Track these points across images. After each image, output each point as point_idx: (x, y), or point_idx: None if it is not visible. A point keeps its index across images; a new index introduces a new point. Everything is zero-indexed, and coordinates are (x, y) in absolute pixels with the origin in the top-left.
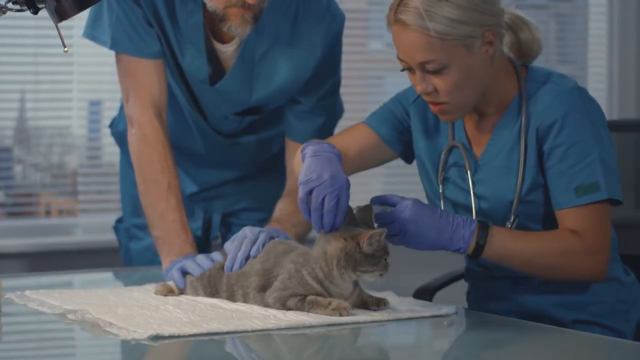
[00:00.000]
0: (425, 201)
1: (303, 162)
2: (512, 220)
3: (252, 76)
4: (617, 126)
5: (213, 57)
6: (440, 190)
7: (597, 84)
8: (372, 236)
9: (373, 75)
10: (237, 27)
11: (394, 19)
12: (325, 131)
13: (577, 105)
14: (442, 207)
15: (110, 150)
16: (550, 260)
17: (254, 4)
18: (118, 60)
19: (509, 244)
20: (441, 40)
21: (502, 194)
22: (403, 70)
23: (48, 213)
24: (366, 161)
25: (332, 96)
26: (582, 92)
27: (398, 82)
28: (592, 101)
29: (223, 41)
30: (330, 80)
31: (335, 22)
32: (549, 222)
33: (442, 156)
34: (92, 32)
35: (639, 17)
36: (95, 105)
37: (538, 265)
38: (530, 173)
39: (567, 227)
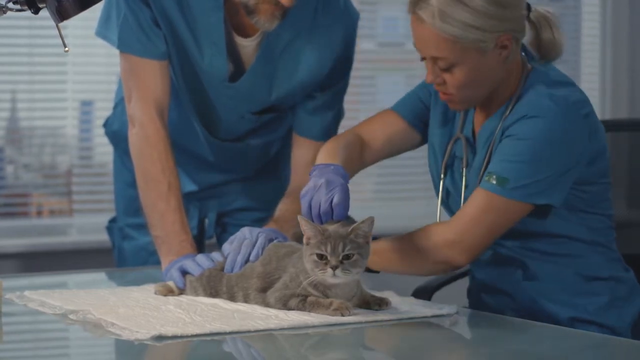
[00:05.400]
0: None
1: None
2: None
3: (274, 71)
4: (610, 126)
5: (233, 54)
6: (442, 178)
7: (590, 83)
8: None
9: (365, 75)
10: (265, 21)
11: (412, 11)
12: (331, 129)
13: (539, 110)
14: (439, 195)
15: (102, 151)
16: (398, 244)
17: (288, 6)
18: (123, 60)
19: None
20: (453, 42)
21: None
22: (422, 60)
23: (39, 213)
24: (394, 146)
25: (342, 94)
26: (559, 100)
27: (389, 81)
28: (568, 110)
29: (246, 35)
30: (345, 79)
31: (352, 20)
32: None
33: (448, 147)
34: (104, 32)
35: (632, 17)
36: (86, 106)
37: (386, 253)
38: None
39: None
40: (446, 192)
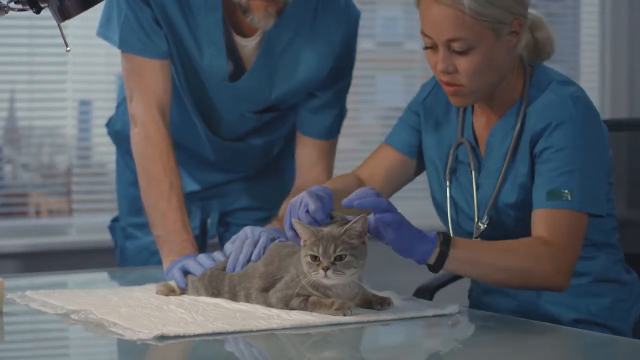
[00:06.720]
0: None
1: None
2: (484, 221)
3: (274, 71)
4: (609, 126)
5: (233, 54)
6: (447, 186)
7: (590, 83)
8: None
9: (364, 74)
10: (260, 19)
11: None
12: (333, 128)
13: (568, 115)
14: (448, 207)
15: (101, 150)
16: (503, 260)
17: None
18: (124, 59)
19: (467, 253)
20: (474, 19)
21: (499, 198)
22: (425, 48)
23: (38, 213)
24: (394, 180)
25: (344, 93)
26: (579, 102)
27: (389, 81)
28: (589, 112)
29: (245, 35)
30: (346, 77)
31: (352, 19)
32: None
33: (451, 152)
34: (105, 32)
35: (631, 17)
36: (85, 105)
37: (493, 266)
38: (517, 180)
39: (535, 230)
40: (453, 202)
